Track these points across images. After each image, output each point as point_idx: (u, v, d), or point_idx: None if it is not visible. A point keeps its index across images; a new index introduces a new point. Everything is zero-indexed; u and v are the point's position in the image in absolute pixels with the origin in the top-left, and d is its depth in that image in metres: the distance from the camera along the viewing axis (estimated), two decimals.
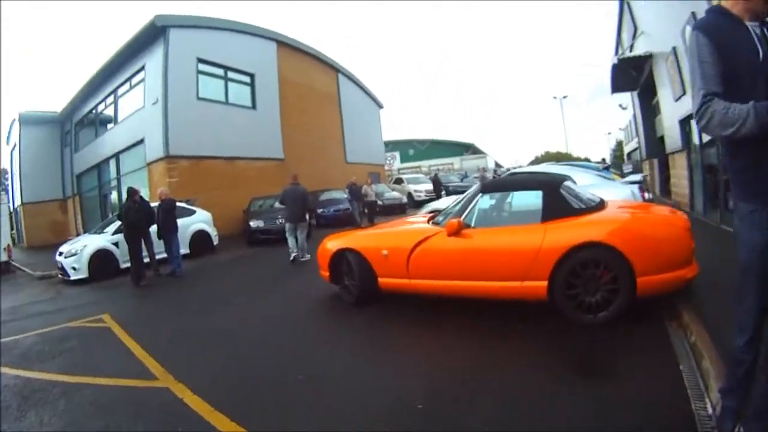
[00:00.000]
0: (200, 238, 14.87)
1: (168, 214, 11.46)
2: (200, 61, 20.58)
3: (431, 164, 50.93)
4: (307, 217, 12.58)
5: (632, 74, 20.94)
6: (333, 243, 6.94)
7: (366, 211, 19.90)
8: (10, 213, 33.83)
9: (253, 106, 23.27)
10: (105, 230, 13.44)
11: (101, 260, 12.52)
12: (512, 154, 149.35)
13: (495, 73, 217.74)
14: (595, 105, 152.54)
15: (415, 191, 28.07)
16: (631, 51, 21.48)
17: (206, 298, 8.91)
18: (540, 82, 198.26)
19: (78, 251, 12.52)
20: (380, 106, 38.82)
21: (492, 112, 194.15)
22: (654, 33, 16.84)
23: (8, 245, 18.16)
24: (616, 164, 36.10)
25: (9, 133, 31.79)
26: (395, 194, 25.32)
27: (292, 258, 11.65)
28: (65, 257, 12.62)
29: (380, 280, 6.27)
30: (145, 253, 11.45)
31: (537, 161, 61.82)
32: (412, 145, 61.86)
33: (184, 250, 13.90)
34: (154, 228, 11.45)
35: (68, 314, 8.62)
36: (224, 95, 21.90)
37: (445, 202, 11.40)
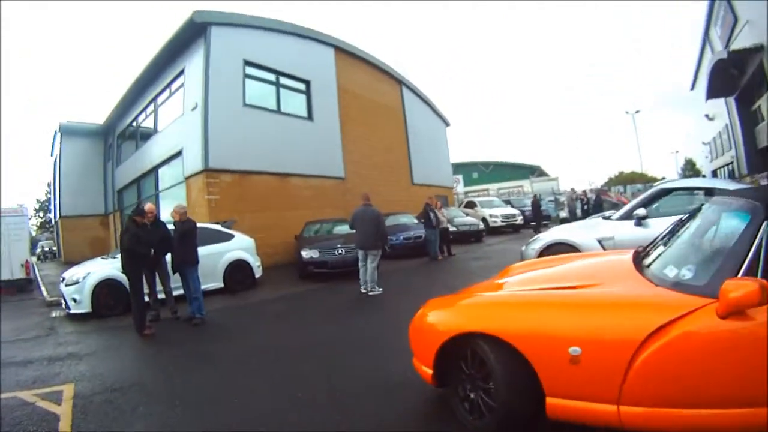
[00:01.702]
0: (238, 269, 11.75)
1: (184, 240, 8.35)
2: (247, 63, 17.84)
3: (499, 187, 48.09)
4: (382, 243, 10.49)
5: (733, 74, 18.67)
6: (445, 317, 3.71)
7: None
8: (51, 226, 36.35)
9: (309, 117, 20.34)
10: (117, 256, 10.39)
11: (108, 292, 9.69)
12: (580, 175, 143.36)
13: (556, 90, 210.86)
14: (653, 120, 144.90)
15: (491, 216, 24.60)
16: (727, 46, 19.52)
17: (230, 365, 5.80)
18: (599, 96, 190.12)
19: (80, 279, 9.76)
20: (447, 124, 35.76)
21: (556, 132, 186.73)
22: (760, 23, 14.95)
23: (26, 261, 16.32)
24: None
25: (53, 144, 30.59)
26: (470, 219, 21.75)
27: (363, 290, 10.10)
28: (66, 285, 9.93)
29: (550, 401, 2.92)
30: (160, 287, 8.82)
31: (612, 182, 58.04)
32: (476, 167, 59.19)
33: (216, 283, 11.20)
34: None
35: (33, 371, 6.19)
36: (276, 103, 19.04)
37: (572, 233, 8.43)
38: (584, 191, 24.26)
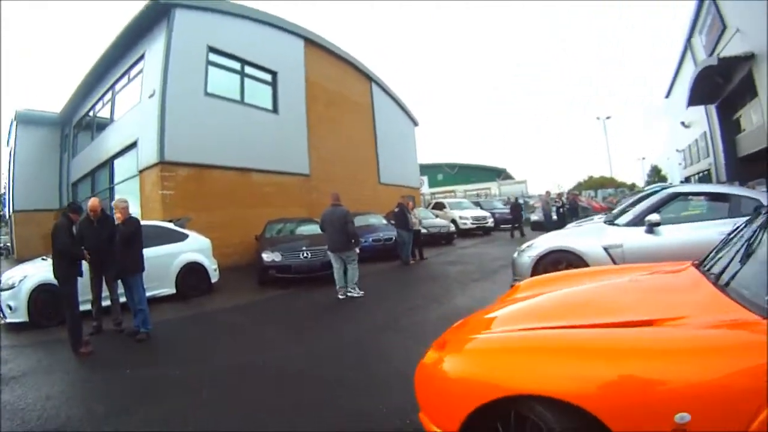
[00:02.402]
0: (192, 272, 10.61)
1: (129, 243, 7.25)
2: (212, 50, 16.74)
3: (466, 189, 47.50)
4: (353, 244, 9.86)
5: (718, 82, 18.98)
6: (479, 369, 2.53)
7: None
8: (5, 221, 33.58)
9: (275, 109, 19.33)
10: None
11: (46, 299, 8.44)
12: (547, 178, 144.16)
13: (525, 92, 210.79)
14: (622, 127, 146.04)
15: (461, 218, 23.78)
16: (711, 54, 19.69)
17: (175, 396, 4.79)
18: (570, 101, 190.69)
19: (15, 284, 8.58)
20: (416, 124, 35.13)
21: (521, 135, 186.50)
22: (751, 31, 15.30)
23: None
24: None
25: (9, 133, 28.80)
26: (440, 221, 20.95)
27: (341, 296, 9.57)
28: (1, 290, 8.71)
29: None
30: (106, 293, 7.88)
31: (581, 187, 58.25)
32: (441, 169, 58.53)
33: (167, 289, 10.16)
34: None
35: None
36: (240, 93, 17.95)
37: (574, 239, 7.53)
38: (559, 194, 23.79)
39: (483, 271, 11.85)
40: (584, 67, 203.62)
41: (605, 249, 6.85)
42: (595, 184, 51.52)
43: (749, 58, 15.68)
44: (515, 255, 7.89)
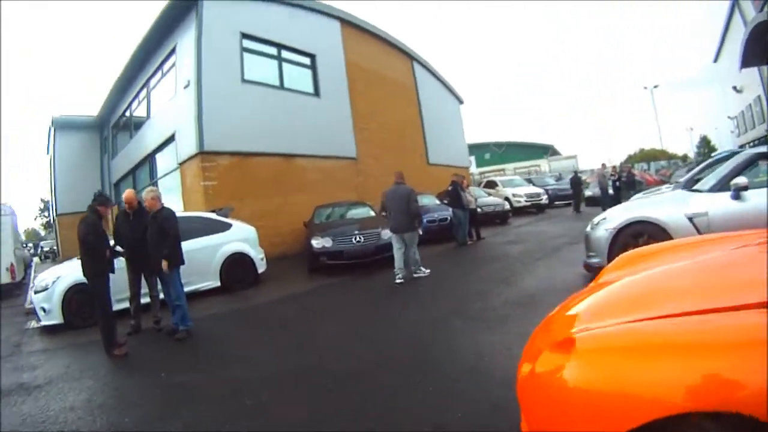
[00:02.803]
0: (237, 263, 9.98)
1: (162, 234, 6.59)
2: (245, 36, 16.09)
3: (516, 167, 46.40)
4: (416, 224, 9.38)
5: None
6: (615, 378, 1.67)
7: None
8: (51, 224, 35.85)
9: (316, 93, 18.55)
10: None
11: (81, 299, 7.98)
12: (596, 153, 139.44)
13: (567, 65, 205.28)
14: (668, 97, 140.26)
15: (514, 196, 22.64)
16: (761, 10, 18.70)
17: (215, 407, 4.05)
18: (616, 71, 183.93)
19: (49, 285, 8.16)
20: (461, 102, 34.05)
21: (568, 110, 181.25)
22: None
23: (11, 265, 14.78)
24: None
25: (48, 140, 29.03)
26: (494, 199, 19.90)
27: (398, 280, 8.92)
28: (35, 292, 8.37)
29: None
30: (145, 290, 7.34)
31: (632, 159, 56.19)
32: (489, 148, 57.39)
33: (212, 282, 9.57)
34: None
35: None
36: (278, 78, 17.26)
37: (653, 209, 6.76)
38: (614, 167, 22.57)
39: (545, 250, 10.91)
40: (627, 34, 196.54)
41: (689, 218, 6.16)
42: (646, 156, 49.68)
43: None
44: (588, 229, 7.20)
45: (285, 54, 17.65)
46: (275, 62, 17.33)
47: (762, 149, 6.51)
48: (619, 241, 6.44)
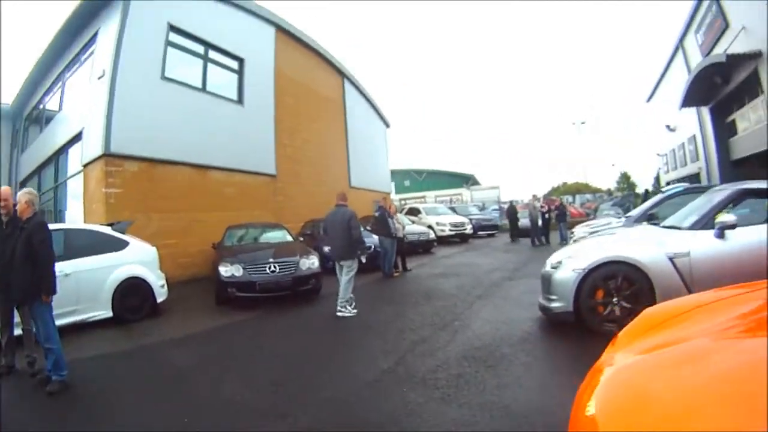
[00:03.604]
0: (132, 290, 8.55)
1: (32, 250, 5.17)
2: (173, 29, 14.71)
3: (437, 195, 47.14)
4: (355, 252, 8.70)
5: (716, 82, 19.11)
6: None
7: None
8: None
9: (239, 100, 17.34)
10: None
11: None
12: (519, 185, 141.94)
13: (495, 97, 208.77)
14: (591, 133, 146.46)
15: (438, 224, 22.30)
16: (707, 55, 20.10)
17: None
18: (541, 106, 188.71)
19: None
20: (387, 125, 33.67)
21: (491, 141, 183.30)
22: (758, 30, 15.39)
23: None
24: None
25: None
26: (420, 228, 19.47)
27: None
28: None
29: None
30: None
31: (556, 192, 57.83)
32: (409, 175, 57.20)
33: (102, 312, 8.07)
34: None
35: None
36: (202, 80, 15.94)
37: (629, 247, 6.10)
38: (545, 200, 22.71)
39: (483, 285, 10.28)
40: (556, 72, 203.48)
41: (670, 258, 5.61)
42: (571, 189, 51.07)
43: (756, 56, 15.58)
44: (548, 269, 6.54)
45: (212, 54, 16.40)
46: (200, 62, 16.00)
47: (748, 185, 6.08)
48: (587, 284, 5.85)
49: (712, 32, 20.36)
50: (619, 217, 13.70)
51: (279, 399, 4.63)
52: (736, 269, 4.94)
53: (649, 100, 37.89)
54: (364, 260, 8.96)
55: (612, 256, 5.88)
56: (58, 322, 5.73)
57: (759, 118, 18.06)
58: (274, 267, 9.54)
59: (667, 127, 31.81)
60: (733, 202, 5.87)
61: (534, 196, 21.84)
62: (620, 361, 2.13)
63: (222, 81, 16.87)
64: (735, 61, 16.36)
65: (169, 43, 14.57)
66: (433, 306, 8.56)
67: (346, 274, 8.52)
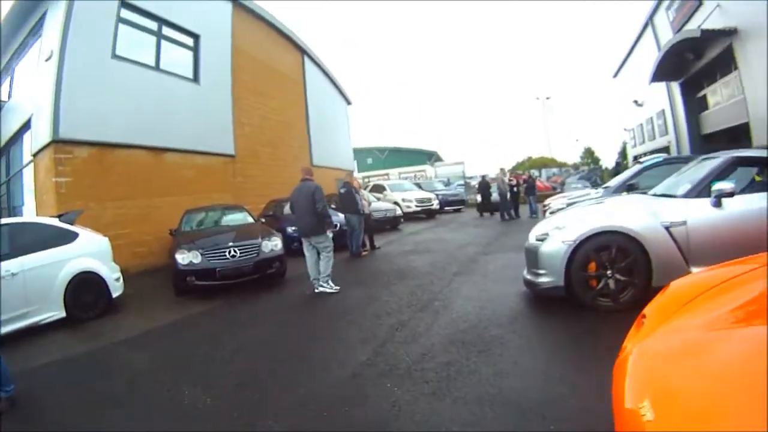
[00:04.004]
0: (85, 285, 8.01)
1: None
2: (125, 5, 13.96)
3: (401, 172, 46.55)
4: (324, 226, 8.39)
5: (688, 58, 19.44)
6: None
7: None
8: None
9: (195, 79, 16.72)
10: None
11: None
12: (483, 160, 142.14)
13: (457, 72, 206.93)
14: (555, 108, 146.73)
15: (404, 200, 22.19)
16: (676, 31, 20.83)
17: None
18: (504, 81, 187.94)
19: None
20: (348, 103, 33.32)
21: (455, 117, 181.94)
22: (732, 7, 15.85)
23: None
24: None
25: None
26: (386, 204, 19.30)
27: (317, 289, 8.32)
28: None
29: None
30: None
31: (521, 167, 58.23)
32: (371, 153, 56.78)
33: (53, 313, 7.54)
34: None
35: None
36: (155, 58, 15.25)
37: (622, 216, 5.76)
38: (514, 173, 22.72)
39: (458, 262, 10.00)
40: (520, 48, 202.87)
41: (666, 227, 5.38)
42: (536, 164, 51.50)
43: (731, 33, 15.74)
44: (532, 242, 6.19)
45: (166, 31, 15.71)
46: (153, 39, 15.28)
47: (741, 153, 5.94)
48: (578, 256, 5.53)
49: (684, 9, 20.58)
50: (595, 189, 13.73)
51: (245, 404, 4.20)
52: (734, 238, 4.94)
53: (615, 75, 38.29)
54: (331, 234, 8.61)
55: (605, 226, 5.56)
56: (7, 329, 5.37)
57: (731, 94, 18.34)
58: (235, 251, 9.07)
59: (635, 102, 32.20)
60: (726, 170, 5.67)
61: (502, 169, 21.76)
62: (654, 346, 1.97)
63: (177, 59, 16.24)
64: (709, 36, 16.59)
65: (120, 20, 13.83)
66: (408, 286, 8.18)
67: (323, 250, 8.33)
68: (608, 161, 51.44)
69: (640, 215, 5.61)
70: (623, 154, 47.26)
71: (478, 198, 23.41)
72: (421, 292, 7.56)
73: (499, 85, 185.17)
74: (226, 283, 8.90)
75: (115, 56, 13.51)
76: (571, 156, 67.61)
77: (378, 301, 7.38)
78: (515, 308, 6.09)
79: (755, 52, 14.52)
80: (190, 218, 11.67)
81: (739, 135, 17.22)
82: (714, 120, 20.76)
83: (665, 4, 23.19)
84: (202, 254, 8.93)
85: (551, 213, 11.04)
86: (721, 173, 5.58)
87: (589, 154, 64.74)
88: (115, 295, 8.55)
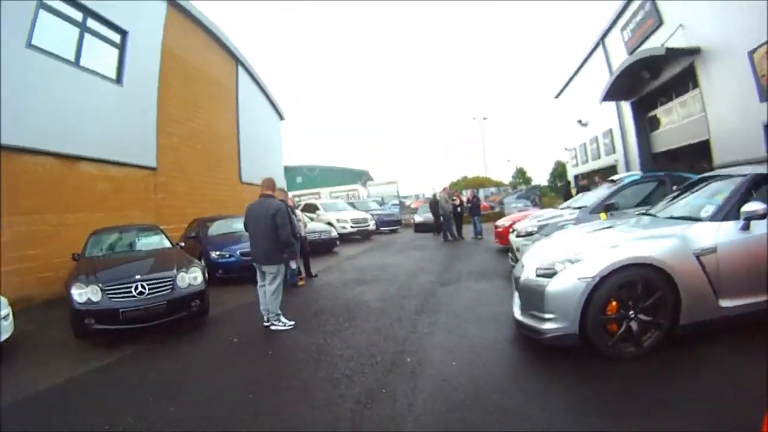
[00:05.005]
0: None
1: None
2: None
3: (332, 191, 45.59)
4: (281, 254, 7.33)
5: (644, 77, 19.90)
6: None
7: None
8: None
9: (118, 80, 14.85)
10: None
11: None
12: (416, 180, 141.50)
13: (386, 89, 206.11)
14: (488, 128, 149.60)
15: (339, 221, 21.27)
16: (632, 53, 20.98)
17: None
18: (437, 100, 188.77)
19: None
20: (282, 118, 31.97)
21: (385, 135, 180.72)
22: (695, 28, 16.42)
23: None
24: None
25: None
26: (320, 225, 18.11)
27: (266, 324, 7.28)
28: None
29: None
30: None
31: (456, 186, 59.33)
32: (301, 171, 55.37)
33: None
34: None
35: None
36: (75, 52, 13.29)
37: (648, 245, 4.82)
38: (457, 192, 22.51)
39: (415, 295, 8.77)
40: (453, 67, 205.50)
41: (697, 257, 4.61)
42: (473, 183, 51.50)
43: (694, 52, 16.21)
44: (533, 277, 5.10)
45: (91, 23, 13.82)
46: (76, 31, 13.40)
47: (760, 170, 5.28)
48: (598, 296, 4.53)
49: (641, 29, 21.07)
50: (528, 206, 13.07)
51: None
52: (763, 265, 4.49)
53: (558, 96, 38.93)
54: (294, 266, 7.87)
55: (633, 257, 4.59)
56: None
57: (689, 112, 19.07)
58: (143, 287, 7.28)
59: (579, 121, 32.49)
60: (752, 189, 5.02)
61: (445, 188, 21.19)
62: None
63: (99, 56, 14.36)
64: (673, 55, 17.09)
65: (42, 5, 12.00)
66: (364, 330, 6.75)
67: (270, 284, 7.17)
68: (539, 181, 54.31)
69: (668, 242, 4.73)
70: (555, 174, 48.14)
71: (416, 218, 23.78)
72: (383, 341, 6.14)
73: (433, 104, 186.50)
74: (132, 327, 7.11)
75: (30, 46, 11.65)
76: (504, 176, 69.00)
77: (330, 356, 5.79)
78: (514, 363, 5.05)
79: (718, 72, 15.22)
80: (97, 240, 9.74)
81: (691, 154, 18.44)
82: (667, 139, 21.51)
83: (620, 25, 23.58)
84: (102, 290, 7.14)
85: (518, 237, 10.32)
86: (749, 192, 4.95)
87: (521, 174, 66.69)
88: (3, 338, 6.78)
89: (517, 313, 5.35)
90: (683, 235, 4.78)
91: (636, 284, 4.53)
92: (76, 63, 13.31)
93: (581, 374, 4.43)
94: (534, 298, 4.97)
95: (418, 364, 5.21)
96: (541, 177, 51.97)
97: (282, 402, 4.60)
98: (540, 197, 33.79)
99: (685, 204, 5.90)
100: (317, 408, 4.33)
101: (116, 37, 14.87)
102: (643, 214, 6.69)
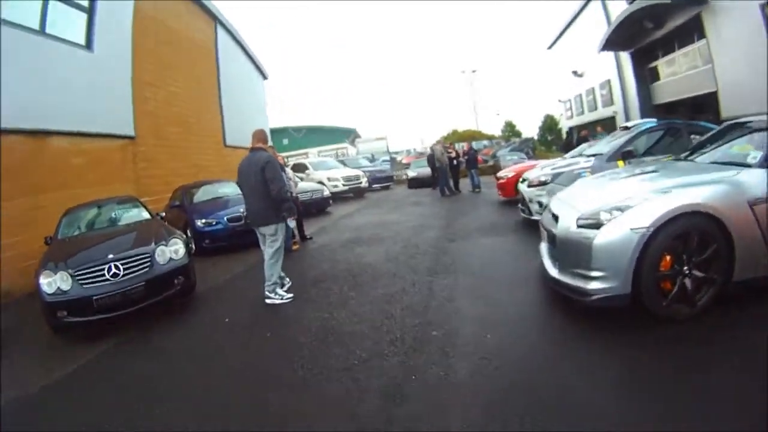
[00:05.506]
0: None
1: None
2: None
3: (320, 150, 44.69)
4: (277, 213, 6.51)
5: (647, 27, 19.41)
6: None
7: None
8: None
9: (88, 46, 13.92)
10: None
11: None
12: (406, 135, 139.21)
13: (375, 44, 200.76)
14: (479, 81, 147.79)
15: (330, 180, 20.81)
16: (631, 1, 19.98)
17: None
18: (425, 54, 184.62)
19: None
20: (265, 77, 31.25)
21: (372, 92, 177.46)
22: None
23: None
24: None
25: None
26: (312, 185, 17.74)
27: (267, 300, 6.55)
28: None
29: None
30: None
31: (449, 139, 59.22)
32: (287, 133, 54.83)
33: None
34: None
35: None
36: (40, 20, 12.38)
37: (702, 192, 4.28)
38: (452, 145, 22.09)
39: (424, 253, 8.30)
40: (443, 21, 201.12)
41: (750, 206, 4.15)
42: (464, 136, 51.07)
43: (701, 2, 15.98)
44: (575, 229, 4.53)
45: None
46: None
47: None
48: (652, 249, 4.07)
49: None
50: (523, 159, 12.67)
51: None
52: None
53: (551, 47, 38.31)
54: (292, 224, 7.14)
55: (689, 205, 4.10)
56: None
57: (693, 64, 18.80)
58: (117, 268, 6.50)
59: (574, 72, 32.00)
60: None
61: (440, 141, 20.97)
62: None
63: (68, 20, 13.48)
64: (679, 3, 16.74)
65: None
66: (373, 299, 6.06)
67: (269, 247, 6.55)
68: (529, 133, 54.20)
69: (721, 188, 4.24)
70: (544, 127, 47.94)
71: (409, 173, 23.63)
72: (400, 312, 5.43)
73: (420, 58, 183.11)
74: (111, 316, 6.33)
75: None
76: (494, 129, 68.59)
77: (339, 334, 5.07)
78: (562, 329, 4.48)
79: (727, 23, 15.09)
80: (70, 220, 8.97)
81: (695, 105, 18.25)
82: (669, 90, 21.19)
83: None
84: (72, 276, 6.37)
85: (530, 186, 9.81)
86: None
87: (510, 128, 65.94)
88: None
89: (554, 272, 4.84)
90: (736, 180, 4.29)
91: (691, 235, 4.12)
92: (42, 31, 12.45)
93: (636, 339, 4.00)
94: (577, 254, 4.44)
95: (446, 340, 4.55)
96: (530, 130, 51.68)
97: (284, 402, 3.90)
98: (533, 149, 33.40)
99: (727, 148, 5.35)
100: (330, 408, 3.66)
101: (84, 1, 13.95)
102: (677, 159, 6.12)
